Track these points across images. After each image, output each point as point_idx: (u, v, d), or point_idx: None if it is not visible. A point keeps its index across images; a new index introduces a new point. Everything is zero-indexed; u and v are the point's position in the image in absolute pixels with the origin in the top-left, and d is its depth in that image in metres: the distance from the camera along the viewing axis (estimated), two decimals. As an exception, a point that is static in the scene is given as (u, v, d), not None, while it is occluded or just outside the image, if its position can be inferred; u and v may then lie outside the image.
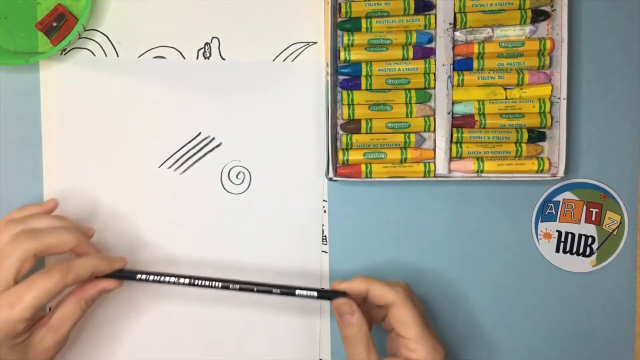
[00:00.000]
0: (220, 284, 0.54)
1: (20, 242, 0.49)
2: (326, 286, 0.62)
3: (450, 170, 0.61)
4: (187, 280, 0.54)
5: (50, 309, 0.60)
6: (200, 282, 0.54)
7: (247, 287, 0.54)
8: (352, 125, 0.61)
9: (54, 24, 0.58)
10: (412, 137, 0.61)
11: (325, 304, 0.62)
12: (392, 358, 0.53)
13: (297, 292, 0.54)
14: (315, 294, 0.54)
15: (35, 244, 0.50)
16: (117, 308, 0.61)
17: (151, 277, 0.54)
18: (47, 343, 0.51)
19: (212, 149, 0.62)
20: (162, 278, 0.54)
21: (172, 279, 0.54)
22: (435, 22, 0.61)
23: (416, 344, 0.52)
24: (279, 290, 0.54)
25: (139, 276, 0.54)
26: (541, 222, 0.63)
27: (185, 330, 0.62)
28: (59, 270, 0.50)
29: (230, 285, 0.54)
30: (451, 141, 0.61)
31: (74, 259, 0.51)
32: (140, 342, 0.62)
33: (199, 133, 0.62)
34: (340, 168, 0.61)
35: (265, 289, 0.54)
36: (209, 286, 0.54)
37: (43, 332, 0.51)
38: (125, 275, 0.54)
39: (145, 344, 0.62)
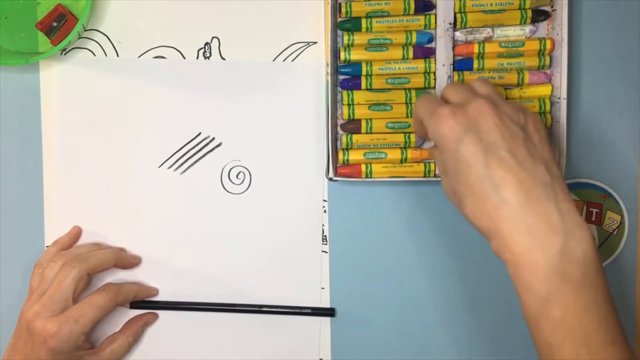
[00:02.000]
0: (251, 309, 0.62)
1: (74, 265, 0.56)
2: (326, 285, 0.62)
3: (450, 170, 0.61)
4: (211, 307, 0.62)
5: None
6: (230, 307, 0.62)
7: (274, 310, 0.61)
8: (352, 125, 0.61)
9: (54, 24, 0.58)
10: (412, 137, 0.60)
11: (325, 300, 0.62)
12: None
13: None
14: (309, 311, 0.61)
15: (86, 265, 0.57)
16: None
17: (185, 306, 0.62)
18: None
19: (212, 149, 0.62)
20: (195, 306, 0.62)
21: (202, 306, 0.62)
22: (436, 22, 0.61)
23: None
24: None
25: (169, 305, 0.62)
26: (541, 222, 0.63)
27: (185, 330, 0.62)
28: (112, 290, 0.58)
29: (262, 309, 0.61)
30: (451, 141, 0.61)
31: (121, 284, 0.60)
32: (139, 341, 0.62)
33: (199, 133, 0.62)
34: (340, 168, 0.61)
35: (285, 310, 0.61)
36: (240, 311, 0.61)
37: None
38: (161, 306, 0.62)
39: (145, 343, 0.62)
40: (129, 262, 0.61)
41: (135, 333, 0.60)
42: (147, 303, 0.61)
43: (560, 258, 0.42)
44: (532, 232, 0.43)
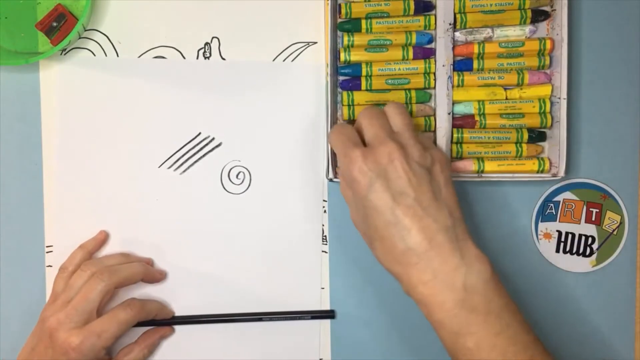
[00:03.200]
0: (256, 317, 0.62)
1: (103, 278, 0.56)
2: (326, 286, 0.62)
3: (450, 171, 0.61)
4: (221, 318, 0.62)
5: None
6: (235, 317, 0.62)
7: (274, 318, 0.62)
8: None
9: (54, 24, 0.58)
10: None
11: (325, 300, 0.62)
12: None
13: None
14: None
15: (114, 278, 0.56)
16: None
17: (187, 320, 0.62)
18: None
19: (212, 149, 0.62)
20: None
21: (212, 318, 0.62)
22: (435, 23, 0.61)
23: None
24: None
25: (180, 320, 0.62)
26: (541, 222, 0.63)
27: (185, 330, 0.62)
28: (136, 307, 0.57)
29: (262, 318, 0.61)
30: (451, 141, 0.61)
31: (145, 301, 0.59)
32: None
33: (199, 133, 0.62)
34: (341, 168, 0.61)
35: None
36: (239, 320, 0.61)
37: None
38: (162, 322, 0.61)
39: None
40: (155, 277, 0.61)
41: (150, 345, 0.60)
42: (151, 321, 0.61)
43: (464, 293, 0.46)
44: (437, 275, 0.47)
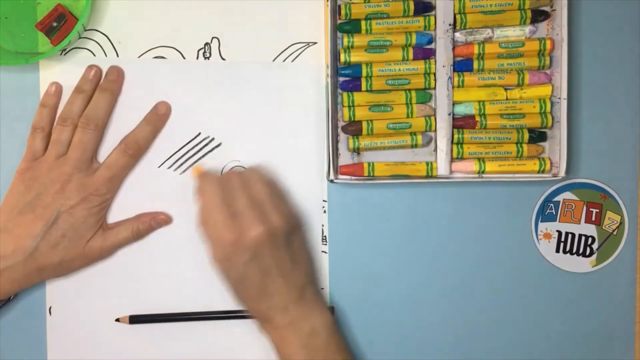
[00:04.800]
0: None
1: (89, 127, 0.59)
2: (326, 286, 0.62)
3: (451, 171, 0.61)
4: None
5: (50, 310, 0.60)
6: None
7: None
8: (354, 127, 0.61)
9: (54, 24, 0.58)
10: (419, 137, 0.61)
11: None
12: None
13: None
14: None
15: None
16: (113, 312, 0.62)
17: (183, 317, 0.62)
18: (98, 242, 0.59)
19: (212, 149, 0.62)
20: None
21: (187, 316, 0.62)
22: (435, 23, 0.61)
23: None
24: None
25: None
26: (541, 222, 0.63)
27: (185, 330, 0.62)
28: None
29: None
30: (452, 142, 0.61)
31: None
32: (144, 336, 0.62)
33: (199, 133, 0.62)
34: (342, 167, 0.61)
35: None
36: (238, 317, 0.62)
37: (99, 234, 0.59)
38: (161, 318, 0.62)
39: (145, 342, 0.62)
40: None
41: (142, 223, 0.60)
42: (146, 317, 0.61)
43: (309, 335, 0.56)
44: (290, 322, 0.55)
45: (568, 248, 0.64)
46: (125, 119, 0.61)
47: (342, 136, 0.62)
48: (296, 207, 0.61)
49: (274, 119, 0.62)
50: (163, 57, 0.61)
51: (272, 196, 0.56)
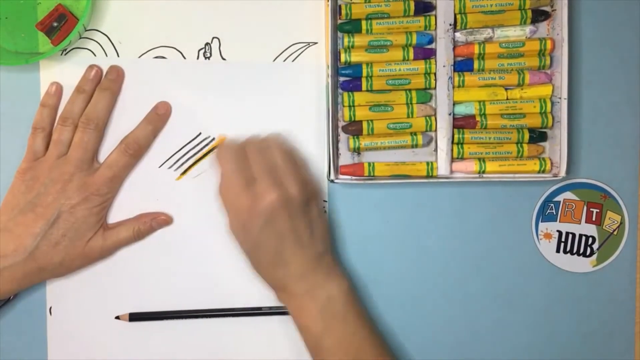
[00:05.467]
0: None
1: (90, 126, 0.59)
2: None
3: (452, 171, 0.61)
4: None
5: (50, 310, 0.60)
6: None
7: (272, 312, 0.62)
8: (354, 127, 0.61)
9: (55, 24, 0.58)
10: (420, 137, 0.61)
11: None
12: None
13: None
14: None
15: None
16: (113, 312, 0.62)
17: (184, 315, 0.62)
18: (98, 241, 0.59)
19: (213, 149, 0.62)
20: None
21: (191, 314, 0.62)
22: (436, 23, 0.61)
23: None
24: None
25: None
26: (542, 222, 0.63)
27: (184, 330, 0.62)
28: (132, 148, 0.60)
29: (262, 310, 0.62)
30: (452, 142, 0.61)
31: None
32: (144, 333, 0.62)
33: (199, 133, 0.62)
34: (343, 167, 0.61)
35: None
36: (238, 315, 0.62)
37: (100, 234, 0.59)
38: (161, 316, 0.62)
39: (145, 340, 0.62)
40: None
41: (142, 224, 0.60)
42: (146, 314, 0.61)
43: (326, 302, 0.55)
44: (307, 290, 0.55)
45: (568, 248, 0.64)
46: (126, 119, 0.61)
47: (343, 136, 0.62)
48: (314, 176, 0.60)
49: (274, 119, 0.62)
50: (163, 57, 0.61)
51: (289, 163, 0.56)
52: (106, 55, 0.61)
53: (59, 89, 0.60)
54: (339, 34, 0.61)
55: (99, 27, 0.61)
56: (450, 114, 0.61)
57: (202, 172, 0.62)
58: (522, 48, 0.61)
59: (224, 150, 0.56)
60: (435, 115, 0.61)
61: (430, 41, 0.61)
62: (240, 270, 0.61)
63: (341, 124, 0.61)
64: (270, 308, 0.61)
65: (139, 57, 0.61)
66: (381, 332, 0.62)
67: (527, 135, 0.61)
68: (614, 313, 0.64)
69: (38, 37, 0.60)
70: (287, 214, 0.54)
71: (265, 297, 0.60)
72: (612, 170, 0.63)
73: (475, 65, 0.61)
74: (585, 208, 0.64)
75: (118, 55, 0.61)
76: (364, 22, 0.60)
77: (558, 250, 0.63)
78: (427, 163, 0.61)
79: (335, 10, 0.60)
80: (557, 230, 0.63)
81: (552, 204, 0.63)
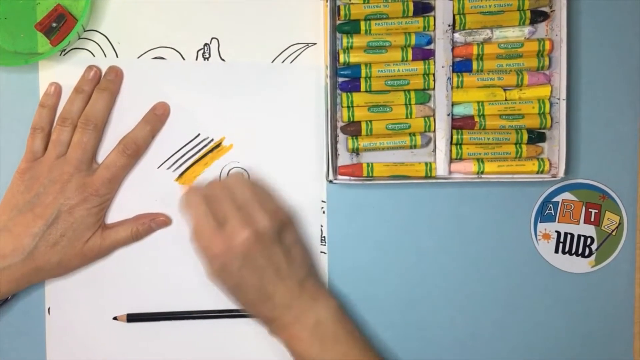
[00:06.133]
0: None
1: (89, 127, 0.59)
2: (325, 286, 0.62)
3: (450, 172, 0.61)
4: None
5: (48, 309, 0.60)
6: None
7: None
8: (353, 128, 0.61)
9: (54, 25, 0.58)
10: (418, 138, 0.61)
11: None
12: None
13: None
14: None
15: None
16: (111, 313, 0.62)
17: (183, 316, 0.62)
18: (96, 242, 0.59)
19: (211, 150, 0.62)
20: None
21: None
22: (434, 24, 0.61)
23: None
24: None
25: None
26: (540, 222, 0.63)
27: (182, 331, 0.62)
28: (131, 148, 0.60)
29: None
30: (451, 143, 0.61)
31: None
32: (142, 334, 0.62)
33: (198, 134, 0.62)
34: (341, 167, 0.61)
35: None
36: (237, 316, 0.62)
37: (98, 234, 0.59)
38: (160, 317, 0.62)
39: (143, 341, 0.62)
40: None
41: (141, 224, 0.61)
42: (144, 315, 0.61)
43: (316, 326, 0.55)
44: (296, 318, 0.55)
45: (567, 248, 0.64)
46: (125, 120, 0.61)
47: (341, 137, 0.62)
48: (284, 203, 0.60)
49: (273, 120, 0.62)
50: (162, 58, 0.62)
51: (255, 196, 0.56)
52: (105, 56, 0.61)
53: (58, 89, 0.60)
54: (338, 35, 0.61)
55: (98, 27, 0.61)
56: (449, 115, 0.61)
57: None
58: (521, 49, 0.61)
59: (190, 196, 0.56)
60: (434, 115, 0.61)
61: (429, 42, 0.61)
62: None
63: (340, 124, 0.61)
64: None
65: (138, 57, 0.61)
66: (380, 332, 0.63)
67: (525, 136, 0.61)
68: (613, 313, 0.64)
69: (37, 37, 0.60)
70: (262, 248, 0.54)
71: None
72: (611, 171, 0.63)
73: (474, 66, 0.61)
74: (583, 208, 0.64)
75: (117, 56, 0.61)
76: (362, 23, 0.60)
77: (557, 251, 0.63)
78: (426, 164, 0.61)
79: (334, 11, 0.60)
80: (556, 231, 0.63)
81: (550, 205, 0.63)
